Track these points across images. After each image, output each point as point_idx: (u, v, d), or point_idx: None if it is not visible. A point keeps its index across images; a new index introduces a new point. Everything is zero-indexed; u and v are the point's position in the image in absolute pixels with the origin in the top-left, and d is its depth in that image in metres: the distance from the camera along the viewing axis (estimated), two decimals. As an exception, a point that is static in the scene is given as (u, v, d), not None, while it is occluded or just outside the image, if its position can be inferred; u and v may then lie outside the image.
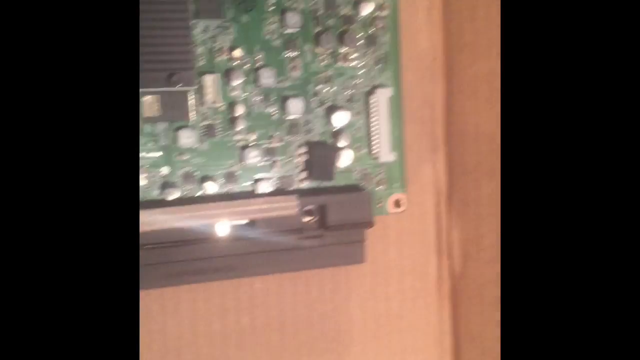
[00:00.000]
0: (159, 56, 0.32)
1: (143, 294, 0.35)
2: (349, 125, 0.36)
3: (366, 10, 0.36)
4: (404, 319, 0.39)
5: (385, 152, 0.36)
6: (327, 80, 0.36)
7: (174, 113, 0.33)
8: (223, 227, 0.34)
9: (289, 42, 0.35)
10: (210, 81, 0.33)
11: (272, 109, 0.35)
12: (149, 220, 0.33)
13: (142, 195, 0.33)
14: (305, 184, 0.36)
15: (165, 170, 0.33)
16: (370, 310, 0.39)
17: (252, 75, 0.34)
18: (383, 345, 0.39)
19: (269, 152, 0.35)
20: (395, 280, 0.39)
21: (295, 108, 0.35)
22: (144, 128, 0.33)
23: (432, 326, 0.40)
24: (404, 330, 0.39)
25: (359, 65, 0.36)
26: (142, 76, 0.32)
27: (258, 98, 0.34)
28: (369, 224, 0.35)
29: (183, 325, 0.36)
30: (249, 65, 0.34)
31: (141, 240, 0.33)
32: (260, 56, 0.34)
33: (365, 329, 0.39)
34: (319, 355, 0.38)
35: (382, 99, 0.36)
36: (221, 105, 0.34)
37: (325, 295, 0.38)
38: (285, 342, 0.37)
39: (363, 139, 0.36)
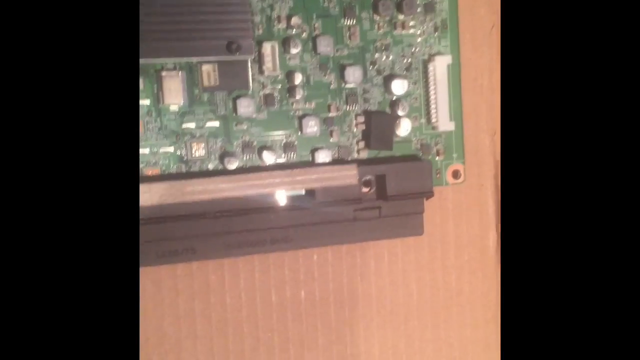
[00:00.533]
0: (217, 25, 0.32)
1: (201, 265, 0.35)
2: (407, 94, 0.35)
3: (424, -24, 0.35)
4: (462, 293, 0.39)
5: (443, 122, 0.36)
6: (385, 49, 0.35)
7: (233, 82, 0.33)
8: (281, 196, 0.34)
9: (347, 9, 0.34)
10: (269, 49, 0.33)
11: (330, 78, 0.34)
12: (209, 189, 0.32)
13: (200, 165, 0.33)
14: (363, 154, 0.35)
15: (223, 139, 0.33)
16: (428, 284, 0.38)
17: (310, 43, 0.34)
18: (441, 319, 0.38)
19: (327, 121, 0.34)
20: (453, 254, 0.38)
21: (353, 76, 0.34)
22: (203, 97, 0.33)
23: (492, 300, 0.39)
24: (462, 304, 0.39)
25: (417, 33, 0.35)
26: (201, 45, 0.32)
27: (316, 67, 0.34)
28: (429, 194, 0.35)
29: (241, 297, 0.36)
30: (306, 33, 0.34)
31: (202, 209, 0.33)
32: (317, 24, 0.34)
33: (423, 302, 0.38)
34: (377, 328, 0.38)
35: (440, 67, 0.35)
36: (279, 74, 0.34)
37: (383, 268, 0.38)
38: (343, 315, 0.37)
39: (421, 108, 0.36)
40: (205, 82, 0.33)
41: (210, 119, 0.33)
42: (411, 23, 0.35)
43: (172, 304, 0.35)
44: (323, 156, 0.34)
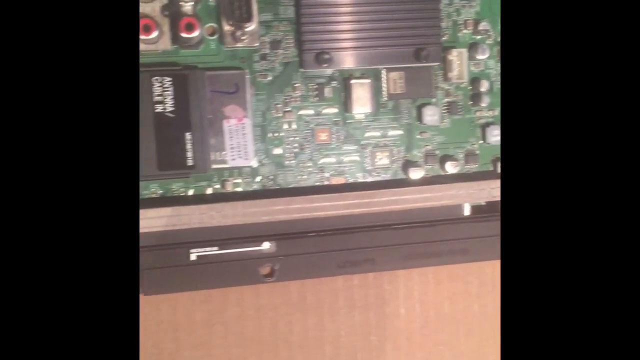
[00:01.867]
0: (407, 31, 0.31)
1: (377, 275, 0.34)
2: (594, 102, 0.34)
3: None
4: None
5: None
6: (571, 54, 0.33)
7: (418, 90, 0.32)
8: (465, 208, 0.33)
9: (534, 13, 0.33)
10: (456, 56, 0.32)
11: (514, 85, 0.33)
12: (393, 200, 0.32)
13: (383, 175, 0.33)
14: (546, 164, 0.34)
15: (406, 148, 0.33)
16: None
17: (495, 49, 0.33)
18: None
19: (510, 130, 0.33)
20: None
21: (540, 83, 0.33)
22: (387, 105, 0.32)
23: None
24: None
25: (605, 37, 0.34)
26: (389, 52, 0.31)
27: (500, 73, 0.33)
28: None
29: (415, 309, 0.35)
30: (492, 38, 0.33)
31: (384, 220, 0.32)
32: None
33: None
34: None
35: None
36: (464, 81, 0.33)
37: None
38: (515, 330, 0.36)
39: (607, 116, 0.34)
40: (392, 90, 0.32)
41: (394, 127, 0.32)
42: (599, 27, 0.33)
43: (349, 314, 0.34)
44: (506, 166, 0.33)
